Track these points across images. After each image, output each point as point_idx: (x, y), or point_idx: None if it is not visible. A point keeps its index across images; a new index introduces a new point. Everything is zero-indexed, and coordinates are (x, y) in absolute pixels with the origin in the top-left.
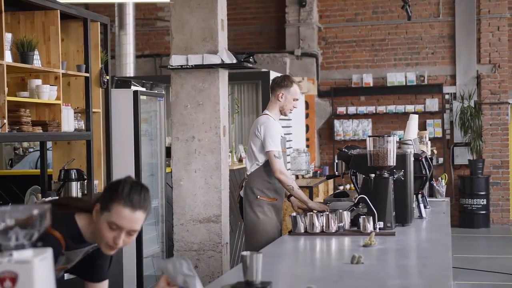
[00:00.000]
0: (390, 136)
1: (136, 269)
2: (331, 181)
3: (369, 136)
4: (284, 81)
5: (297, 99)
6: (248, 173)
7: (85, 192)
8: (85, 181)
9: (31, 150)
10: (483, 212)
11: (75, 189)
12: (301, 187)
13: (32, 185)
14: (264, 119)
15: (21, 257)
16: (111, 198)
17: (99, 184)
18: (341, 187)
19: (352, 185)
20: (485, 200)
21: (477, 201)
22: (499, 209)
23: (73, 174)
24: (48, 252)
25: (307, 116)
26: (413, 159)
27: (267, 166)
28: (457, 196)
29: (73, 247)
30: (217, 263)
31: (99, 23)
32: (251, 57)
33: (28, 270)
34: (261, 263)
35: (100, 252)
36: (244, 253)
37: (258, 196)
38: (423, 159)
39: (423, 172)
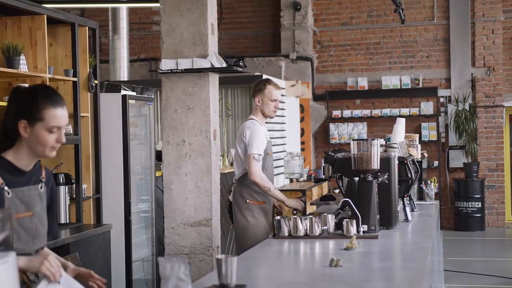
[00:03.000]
0: (374, 139)
1: (125, 273)
2: (325, 184)
3: (353, 140)
4: (258, 85)
5: (275, 100)
6: (236, 178)
7: (74, 196)
8: (73, 185)
9: None
10: (478, 215)
11: (63, 194)
12: (294, 190)
13: None
14: (250, 124)
15: None
16: (37, 109)
17: (87, 188)
18: (337, 191)
19: None
20: (480, 203)
21: (472, 204)
22: (494, 212)
23: (61, 178)
24: (11, 257)
25: (302, 119)
26: (398, 162)
27: None
28: (452, 199)
29: (14, 181)
30: (208, 266)
31: (87, 27)
32: (241, 61)
33: None
34: (236, 266)
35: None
36: (219, 256)
37: (248, 200)
38: (409, 162)
39: (409, 175)
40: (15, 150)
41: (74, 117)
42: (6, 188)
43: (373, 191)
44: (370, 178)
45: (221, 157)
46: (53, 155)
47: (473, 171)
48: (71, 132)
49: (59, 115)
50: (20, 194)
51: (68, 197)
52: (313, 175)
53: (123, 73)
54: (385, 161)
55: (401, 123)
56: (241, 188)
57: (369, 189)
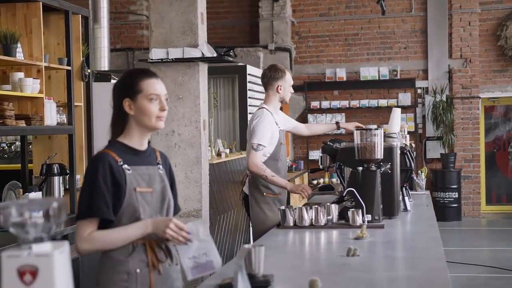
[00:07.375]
0: (377, 129)
1: None
2: (306, 175)
3: (356, 129)
4: (278, 73)
5: (291, 84)
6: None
7: (67, 187)
8: (67, 175)
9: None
10: (455, 205)
11: (57, 184)
12: None
13: (12, 180)
14: (259, 113)
15: (41, 250)
16: (134, 83)
17: (81, 179)
18: (315, 181)
19: (327, 179)
20: (456, 193)
21: (449, 194)
22: (471, 202)
23: (55, 168)
24: (66, 246)
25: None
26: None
27: (271, 161)
28: (429, 189)
29: (132, 160)
30: None
31: (80, 15)
32: (231, 51)
33: (48, 263)
34: (264, 256)
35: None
36: (247, 246)
37: (264, 193)
38: (408, 152)
39: (408, 164)
40: (126, 133)
41: (68, 106)
42: (125, 166)
43: (377, 181)
44: (373, 167)
45: (208, 148)
46: (162, 126)
47: (450, 161)
48: (65, 121)
49: (154, 84)
50: (140, 171)
51: (62, 188)
52: (293, 166)
53: (104, 63)
54: (388, 151)
55: (397, 113)
56: (257, 181)
57: (373, 178)
